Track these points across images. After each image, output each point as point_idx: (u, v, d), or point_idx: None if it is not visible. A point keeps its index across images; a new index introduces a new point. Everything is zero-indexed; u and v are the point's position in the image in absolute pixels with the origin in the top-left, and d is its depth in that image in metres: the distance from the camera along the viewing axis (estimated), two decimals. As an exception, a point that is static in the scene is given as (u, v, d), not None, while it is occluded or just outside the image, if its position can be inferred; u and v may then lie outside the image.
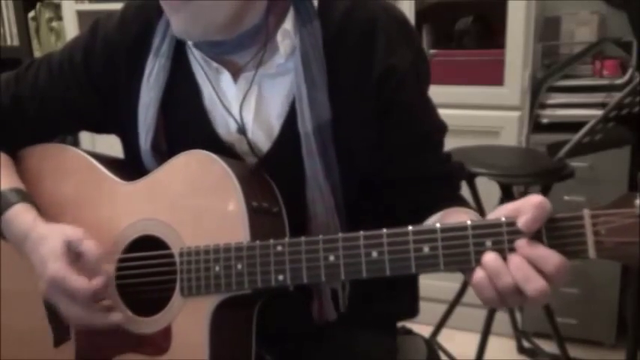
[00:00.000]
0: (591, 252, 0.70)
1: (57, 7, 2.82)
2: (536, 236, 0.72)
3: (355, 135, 0.96)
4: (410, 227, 0.78)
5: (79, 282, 0.89)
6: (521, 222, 0.72)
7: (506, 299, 0.74)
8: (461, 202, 1.00)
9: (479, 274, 0.74)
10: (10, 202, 0.99)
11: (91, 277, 0.90)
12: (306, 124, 0.93)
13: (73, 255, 0.92)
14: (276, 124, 0.98)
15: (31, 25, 2.91)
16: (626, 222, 0.69)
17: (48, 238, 0.93)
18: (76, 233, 0.93)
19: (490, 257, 0.74)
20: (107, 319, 0.92)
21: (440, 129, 1.02)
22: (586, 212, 0.71)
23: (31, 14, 2.90)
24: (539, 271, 0.72)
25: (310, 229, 0.95)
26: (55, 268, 0.90)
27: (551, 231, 0.72)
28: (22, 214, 0.98)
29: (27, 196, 1.01)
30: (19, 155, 1.10)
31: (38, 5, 2.90)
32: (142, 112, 1.01)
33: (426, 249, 0.77)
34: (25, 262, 0.98)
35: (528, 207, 0.72)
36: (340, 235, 0.81)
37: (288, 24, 0.95)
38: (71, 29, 2.68)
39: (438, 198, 0.97)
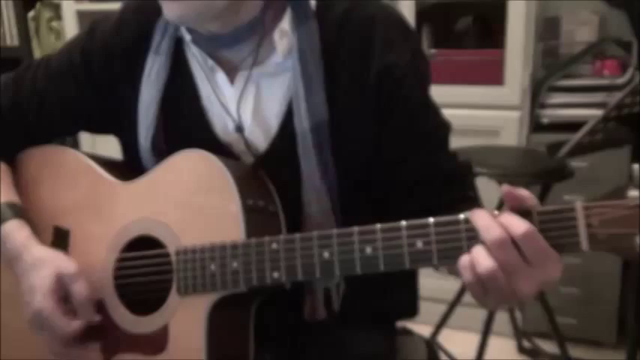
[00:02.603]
0: (584, 244, 0.70)
1: (57, 7, 2.82)
2: None
3: (353, 135, 0.96)
4: (403, 222, 0.78)
5: (60, 322, 0.92)
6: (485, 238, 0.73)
7: (488, 287, 0.74)
8: (473, 204, 0.96)
9: (464, 258, 0.75)
10: (4, 218, 0.99)
11: (75, 316, 0.92)
12: (302, 124, 0.93)
13: (63, 290, 0.93)
14: (273, 123, 0.98)
15: (31, 25, 2.91)
16: (619, 213, 0.69)
17: (40, 267, 0.94)
18: (69, 269, 0.94)
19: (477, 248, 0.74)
20: (84, 358, 0.95)
21: (443, 127, 1.01)
22: (578, 204, 0.70)
23: (31, 14, 2.91)
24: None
25: (306, 229, 0.95)
26: (42, 303, 0.92)
27: (543, 224, 0.72)
28: (15, 232, 0.99)
29: (21, 211, 1.02)
30: (19, 157, 1.10)
31: (38, 5, 2.90)
32: (143, 110, 1.01)
33: (419, 244, 0.77)
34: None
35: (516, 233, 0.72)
36: (334, 231, 0.82)
37: (286, 23, 0.95)
38: (71, 29, 2.68)
39: (447, 199, 0.96)
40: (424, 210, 0.91)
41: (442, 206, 0.93)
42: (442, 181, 0.98)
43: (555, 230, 0.72)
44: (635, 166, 0.67)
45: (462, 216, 0.76)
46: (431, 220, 0.77)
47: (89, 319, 0.94)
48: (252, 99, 0.98)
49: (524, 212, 0.73)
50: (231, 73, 0.98)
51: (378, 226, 0.79)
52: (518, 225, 0.72)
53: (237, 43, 0.95)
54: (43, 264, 0.94)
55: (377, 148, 0.97)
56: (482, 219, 0.74)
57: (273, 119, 0.98)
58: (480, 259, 0.74)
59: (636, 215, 0.69)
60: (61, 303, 0.92)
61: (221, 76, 0.99)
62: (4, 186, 1.04)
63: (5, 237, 0.98)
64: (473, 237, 0.75)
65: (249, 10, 0.92)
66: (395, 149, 0.97)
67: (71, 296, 0.93)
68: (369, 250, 0.79)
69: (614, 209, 0.69)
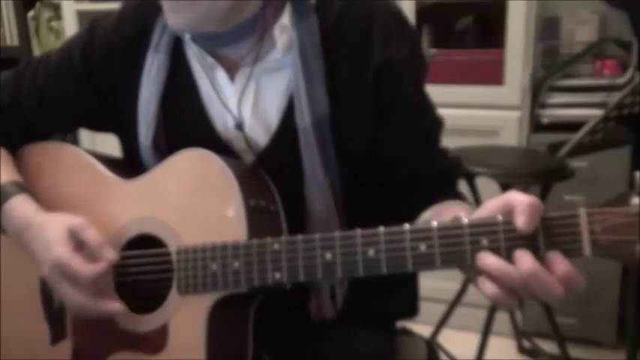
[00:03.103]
0: (587, 250, 0.70)
1: (57, 7, 2.82)
2: (532, 235, 0.72)
3: (353, 130, 0.96)
4: (407, 226, 0.78)
5: (82, 266, 0.90)
6: (520, 223, 0.71)
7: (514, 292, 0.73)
8: (457, 196, 1.00)
9: (490, 287, 0.72)
10: (9, 194, 0.99)
11: (94, 263, 0.91)
12: (304, 119, 0.93)
13: (76, 242, 0.92)
14: (274, 119, 0.98)
15: (31, 24, 2.91)
16: (622, 220, 0.69)
17: (51, 224, 0.94)
18: (78, 221, 0.94)
19: (492, 260, 0.72)
20: (106, 306, 0.92)
21: (437, 123, 1.02)
22: (582, 210, 0.70)
23: (31, 14, 2.91)
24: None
25: (308, 226, 0.95)
26: (60, 251, 0.91)
27: (547, 229, 0.72)
28: (22, 205, 0.99)
29: (25, 188, 1.02)
30: (19, 153, 1.10)
31: (38, 5, 2.90)
32: (143, 108, 1.01)
33: (422, 247, 0.77)
34: (24, 263, 0.98)
35: (523, 207, 0.71)
36: (337, 233, 0.81)
37: (286, 19, 0.95)
38: (71, 29, 2.68)
39: (435, 193, 0.97)
40: (410, 203, 0.92)
41: (434, 202, 0.95)
42: (435, 177, 0.99)
43: (559, 236, 0.71)
44: (637, 173, 0.67)
45: (465, 220, 0.75)
46: (434, 223, 0.77)
47: (110, 259, 0.92)
48: (252, 95, 0.98)
49: None
50: (231, 71, 0.98)
51: (382, 229, 0.79)
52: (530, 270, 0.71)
53: (237, 41, 0.95)
54: (53, 222, 0.94)
55: (376, 143, 0.97)
56: (497, 269, 0.72)
57: (274, 115, 0.98)
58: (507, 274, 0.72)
59: (637, 223, 0.69)
60: (76, 251, 0.92)
61: (221, 74, 0.99)
62: (7, 169, 1.04)
63: (11, 211, 0.98)
64: (476, 241, 0.74)
65: (250, 7, 0.92)
66: (392, 144, 0.98)
67: (86, 243, 0.92)
68: (371, 252, 0.79)
69: (616, 216, 0.69)
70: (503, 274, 0.71)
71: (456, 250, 0.75)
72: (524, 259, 0.70)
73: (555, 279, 0.70)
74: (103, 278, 0.92)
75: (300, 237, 0.83)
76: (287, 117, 0.96)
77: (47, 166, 1.08)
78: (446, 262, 0.76)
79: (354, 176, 0.98)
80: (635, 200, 0.69)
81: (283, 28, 0.94)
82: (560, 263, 0.70)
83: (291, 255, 0.83)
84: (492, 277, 0.72)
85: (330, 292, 1.00)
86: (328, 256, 0.81)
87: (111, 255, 0.92)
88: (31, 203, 0.99)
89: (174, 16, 0.90)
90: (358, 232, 0.80)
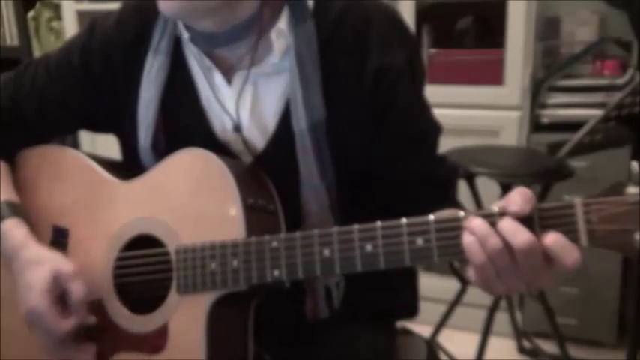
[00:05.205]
0: (583, 240, 0.71)
1: (57, 7, 2.82)
2: (528, 225, 0.73)
3: (350, 135, 0.96)
4: (404, 220, 0.78)
5: (54, 321, 0.91)
6: (515, 207, 0.73)
7: (497, 264, 0.74)
8: (455, 206, 0.99)
9: (468, 238, 0.75)
10: (4, 216, 0.99)
11: (71, 315, 0.92)
12: (300, 124, 0.93)
13: (59, 289, 0.92)
14: (271, 122, 0.98)
15: (31, 25, 2.91)
16: (619, 210, 0.69)
17: (38, 265, 0.94)
18: (67, 268, 0.93)
19: (477, 222, 0.74)
20: (77, 358, 0.95)
21: (434, 130, 1.02)
22: (578, 201, 0.71)
23: (31, 14, 2.90)
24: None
25: (304, 228, 0.95)
26: (37, 301, 0.91)
27: (543, 220, 0.73)
28: (13, 230, 0.98)
29: (19, 209, 1.02)
30: (19, 157, 1.10)
31: (38, 5, 2.90)
32: (143, 110, 1.01)
33: (419, 241, 0.77)
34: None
35: (514, 195, 0.74)
36: (335, 229, 0.82)
37: (283, 23, 0.95)
38: (71, 29, 2.67)
39: (433, 199, 0.96)
40: (407, 210, 0.92)
41: (432, 208, 0.94)
42: (432, 182, 0.99)
43: (555, 227, 0.72)
44: (634, 163, 0.67)
45: (461, 213, 0.76)
46: (431, 217, 0.77)
47: (83, 320, 0.93)
48: (250, 98, 0.98)
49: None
50: (228, 73, 0.98)
51: (379, 223, 0.80)
52: (521, 237, 0.72)
53: (234, 42, 0.95)
54: (41, 262, 0.94)
55: (372, 148, 0.97)
56: (479, 229, 0.74)
57: (270, 119, 0.98)
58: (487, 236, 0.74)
59: (635, 212, 0.69)
60: (56, 302, 0.92)
61: (218, 76, 0.98)
62: (2, 185, 1.04)
63: (3, 235, 0.98)
64: None
65: (246, 8, 0.92)
66: (388, 149, 0.98)
67: (68, 295, 0.93)
68: (369, 247, 0.79)
69: (612, 206, 0.70)
70: (488, 236, 0.73)
71: (453, 244, 0.76)
72: (515, 229, 0.72)
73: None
74: (73, 331, 0.93)
75: (298, 234, 0.84)
76: (284, 121, 0.96)
77: (46, 170, 1.08)
78: (443, 256, 0.77)
79: (351, 180, 0.98)
80: (631, 190, 0.69)
81: (280, 33, 0.94)
82: (551, 235, 0.71)
83: (290, 252, 0.84)
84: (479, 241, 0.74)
85: (325, 293, 1.00)
86: (326, 252, 0.82)
87: (85, 317, 0.94)
88: (22, 227, 0.99)
89: None
90: (355, 227, 0.81)
